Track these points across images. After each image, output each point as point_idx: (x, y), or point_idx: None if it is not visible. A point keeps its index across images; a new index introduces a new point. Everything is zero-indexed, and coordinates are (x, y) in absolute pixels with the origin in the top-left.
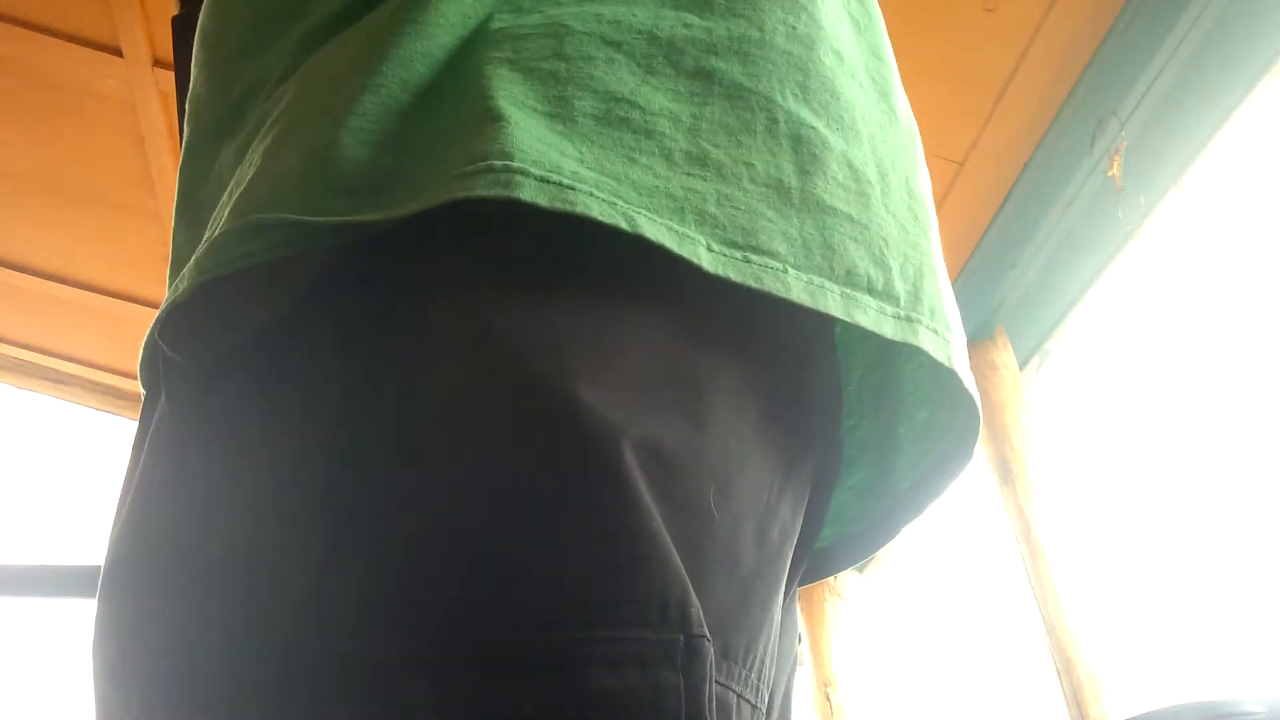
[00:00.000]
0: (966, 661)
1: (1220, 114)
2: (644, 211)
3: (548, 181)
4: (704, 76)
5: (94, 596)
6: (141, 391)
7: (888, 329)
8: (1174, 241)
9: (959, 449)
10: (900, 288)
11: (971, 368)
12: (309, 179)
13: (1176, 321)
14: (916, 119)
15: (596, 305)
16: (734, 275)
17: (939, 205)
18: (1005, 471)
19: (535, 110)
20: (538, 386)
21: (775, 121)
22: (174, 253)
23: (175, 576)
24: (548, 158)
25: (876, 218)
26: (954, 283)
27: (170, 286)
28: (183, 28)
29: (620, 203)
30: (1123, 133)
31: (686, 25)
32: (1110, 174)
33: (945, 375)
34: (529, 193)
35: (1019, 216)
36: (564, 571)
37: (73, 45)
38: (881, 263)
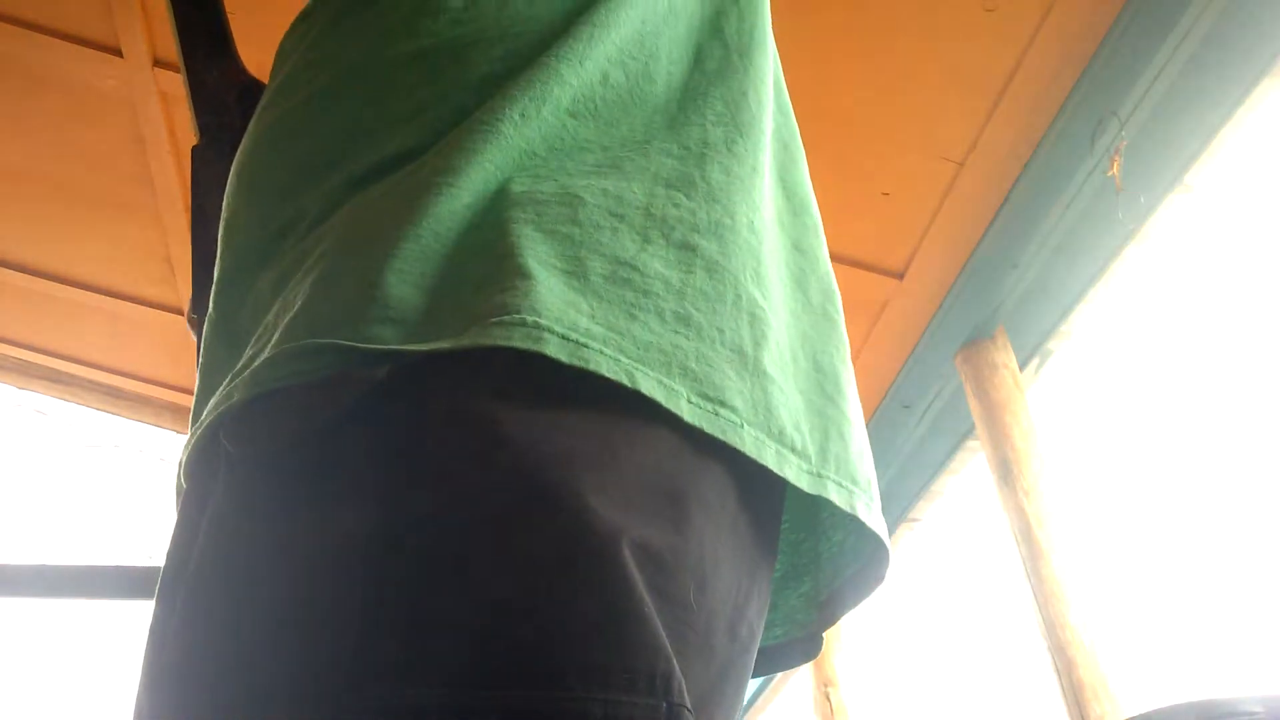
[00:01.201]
0: (966, 661)
1: (1220, 114)
2: (640, 366)
3: (567, 339)
4: (689, 249)
5: (93, 597)
6: (181, 482)
7: (804, 483)
8: (1174, 241)
9: (869, 572)
10: (811, 449)
11: (971, 368)
12: (358, 311)
13: (1177, 321)
14: (917, 119)
15: (599, 427)
16: (706, 427)
17: (939, 205)
18: (1005, 471)
19: (555, 268)
20: (553, 491)
21: (739, 297)
22: (208, 364)
23: (230, 627)
24: (567, 315)
25: (792, 389)
26: (954, 283)
27: (204, 393)
28: (201, 157)
29: (623, 359)
30: (1123, 133)
31: (676, 205)
32: (1110, 174)
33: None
34: (553, 349)
35: (1019, 216)
36: (572, 642)
37: (73, 45)
38: (798, 428)
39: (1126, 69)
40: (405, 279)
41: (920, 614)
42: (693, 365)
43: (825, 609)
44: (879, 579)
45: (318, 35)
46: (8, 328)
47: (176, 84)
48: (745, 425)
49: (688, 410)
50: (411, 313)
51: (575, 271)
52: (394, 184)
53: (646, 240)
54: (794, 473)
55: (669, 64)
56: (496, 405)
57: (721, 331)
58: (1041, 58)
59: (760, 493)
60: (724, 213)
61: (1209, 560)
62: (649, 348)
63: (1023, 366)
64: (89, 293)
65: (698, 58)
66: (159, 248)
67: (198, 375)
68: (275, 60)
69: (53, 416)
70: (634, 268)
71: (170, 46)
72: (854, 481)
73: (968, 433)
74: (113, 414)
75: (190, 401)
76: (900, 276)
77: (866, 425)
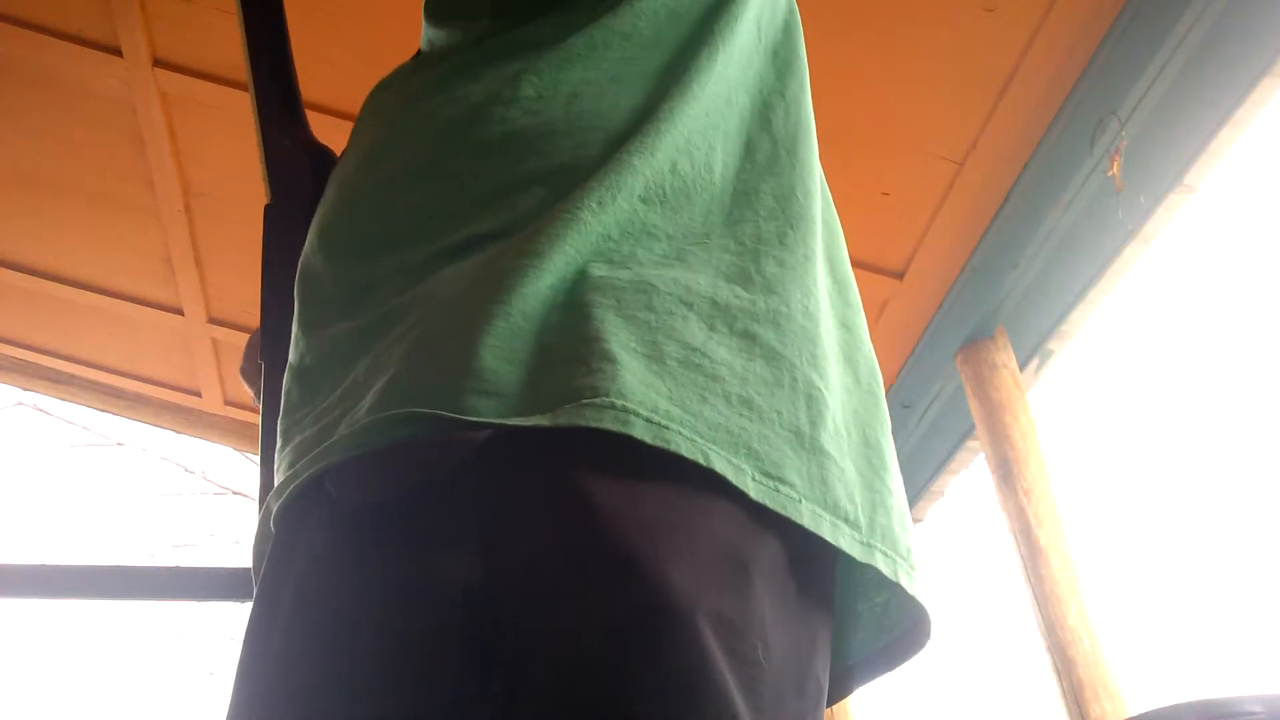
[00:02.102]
0: (967, 661)
1: (1220, 114)
2: (713, 446)
3: (651, 422)
4: (750, 338)
5: (95, 597)
6: (270, 528)
7: (856, 551)
8: (1174, 241)
9: (911, 636)
10: (862, 519)
11: (971, 368)
12: (456, 382)
13: (1177, 321)
14: (917, 119)
15: (675, 499)
16: (769, 503)
17: (939, 205)
18: (1005, 471)
19: (636, 351)
20: (636, 559)
21: (796, 381)
22: (290, 409)
23: (330, 653)
24: (649, 399)
25: (847, 463)
26: (954, 283)
27: (289, 436)
28: (273, 215)
29: (698, 439)
30: (1123, 133)
31: (737, 296)
32: (1110, 174)
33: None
34: (639, 431)
35: (1019, 216)
36: (651, 695)
37: (73, 45)
38: (851, 499)
39: (1126, 69)
40: (498, 354)
41: None
42: (755, 445)
43: (844, 677)
44: (918, 646)
45: (398, 112)
46: (8, 328)
47: (176, 84)
48: (803, 500)
49: (753, 487)
50: (505, 385)
51: (653, 355)
52: (481, 262)
53: (713, 329)
54: (847, 542)
55: (724, 155)
56: (585, 475)
57: (780, 414)
58: (1041, 58)
59: (814, 557)
60: (780, 302)
61: (1210, 560)
62: (718, 429)
63: (1023, 366)
64: (89, 293)
65: (748, 149)
66: (159, 248)
67: (281, 419)
68: (356, 124)
69: (53, 416)
70: (703, 354)
71: (170, 46)
72: (897, 551)
73: (968, 433)
74: (113, 414)
75: (188, 401)
76: (900, 276)
77: None
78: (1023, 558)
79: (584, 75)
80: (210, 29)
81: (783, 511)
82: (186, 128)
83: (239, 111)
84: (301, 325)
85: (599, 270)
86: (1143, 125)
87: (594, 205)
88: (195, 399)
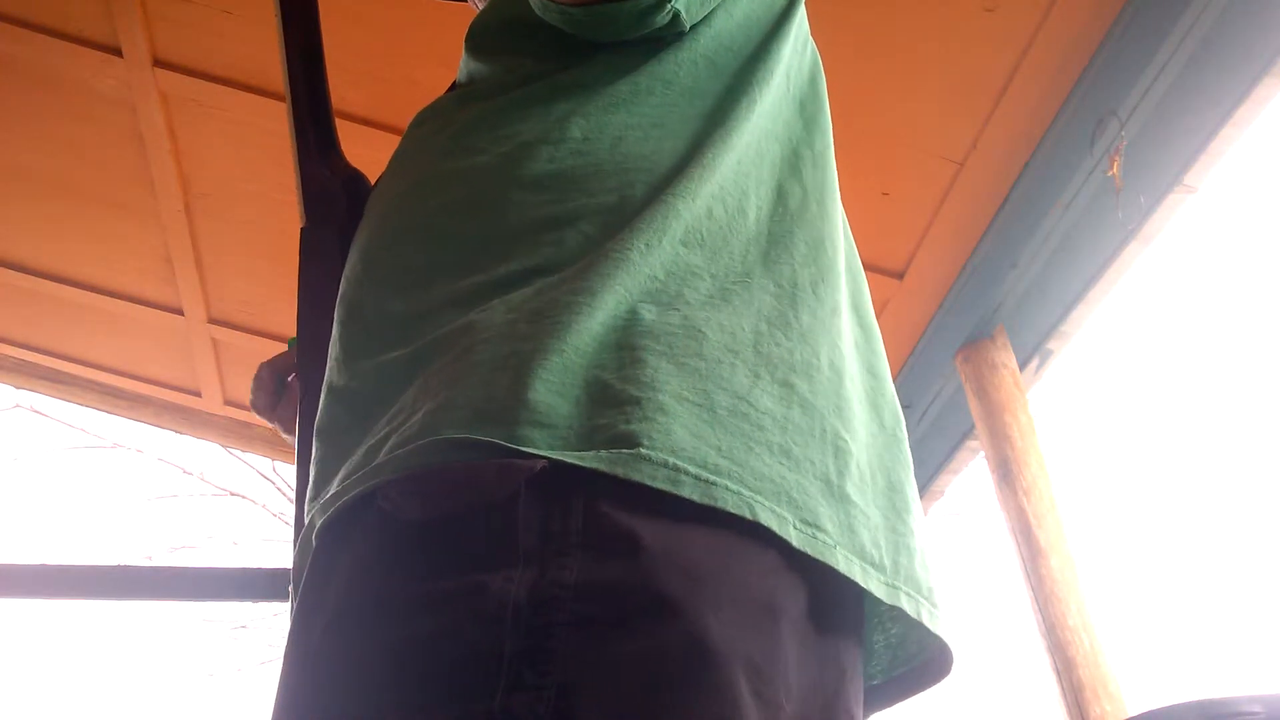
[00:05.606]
0: (966, 661)
1: (1220, 114)
2: (758, 497)
3: (699, 480)
4: (788, 387)
5: (94, 597)
6: (313, 540)
7: (882, 594)
8: (1174, 241)
9: (930, 668)
10: (886, 562)
11: (972, 367)
12: (509, 412)
13: (1177, 321)
14: (917, 119)
15: (719, 545)
16: (809, 550)
17: (939, 205)
18: (1005, 471)
19: (688, 400)
20: (680, 603)
21: (825, 431)
22: (332, 428)
23: (370, 666)
24: (699, 453)
25: (871, 508)
26: (954, 283)
27: (332, 456)
28: (309, 238)
29: (744, 491)
30: (1123, 133)
31: (777, 344)
32: (1110, 174)
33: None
34: (688, 491)
35: (1019, 216)
36: None
37: (73, 45)
38: (876, 543)
39: (1126, 69)
40: (551, 388)
41: None
42: (794, 494)
43: (874, 693)
44: (937, 678)
45: (445, 145)
46: (8, 328)
47: (176, 84)
48: (837, 546)
49: (795, 535)
50: (558, 419)
51: (704, 404)
52: (531, 296)
53: (757, 377)
54: (875, 585)
55: (757, 199)
56: (633, 515)
57: (813, 463)
58: (1041, 58)
59: (842, 595)
60: (811, 354)
61: (1209, 560)
62: (763, 479)
63: (1023, 366)
64: (89, 293)
65: (780, 195)
66: (159, 248)
67: (322, 441)
68: (395, 155)
69: (50, 418)
70: (749, 403)
71: (170, 46)
72: (919, 591)
73: (968, 433)
74: (113, 414)
75: (188, 401)
76: (900, 276)
77: None
78: (1023, 558)
79: (628, 119)
80: (210, 29)
81: (820, 557)
82: (186, 128)
83: (239, 111)
84: (346, 351)
85: (649, 314)
86: (1143, 125)
87: (641, 247)
88: (195, 399)
